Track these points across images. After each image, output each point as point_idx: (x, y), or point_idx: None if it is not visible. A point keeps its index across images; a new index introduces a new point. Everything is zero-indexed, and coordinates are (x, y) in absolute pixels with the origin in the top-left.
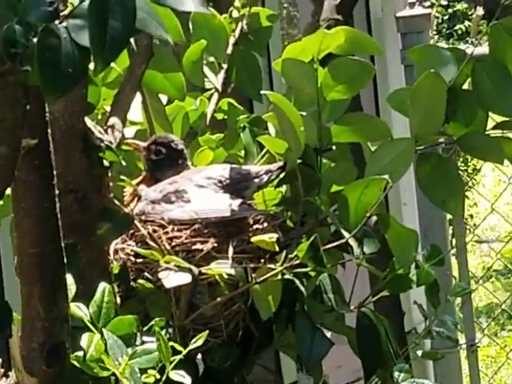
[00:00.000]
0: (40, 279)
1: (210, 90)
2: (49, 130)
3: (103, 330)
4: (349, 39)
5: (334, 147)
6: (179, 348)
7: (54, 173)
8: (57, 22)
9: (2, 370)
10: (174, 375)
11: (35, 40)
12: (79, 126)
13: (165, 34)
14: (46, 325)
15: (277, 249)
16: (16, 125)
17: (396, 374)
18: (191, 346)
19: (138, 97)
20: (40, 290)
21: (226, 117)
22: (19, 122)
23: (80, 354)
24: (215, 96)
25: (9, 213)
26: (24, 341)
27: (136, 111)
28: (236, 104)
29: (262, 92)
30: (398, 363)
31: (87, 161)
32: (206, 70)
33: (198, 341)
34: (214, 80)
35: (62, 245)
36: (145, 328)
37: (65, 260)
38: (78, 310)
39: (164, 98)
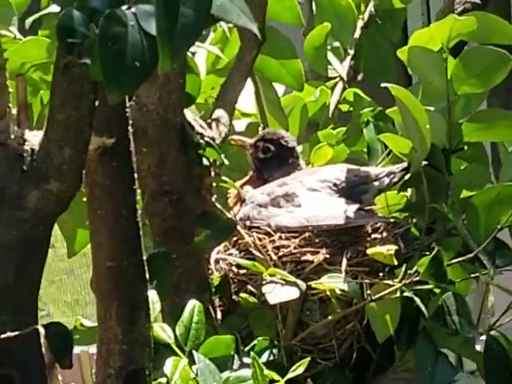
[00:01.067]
0: (117, 296)
1: (333, 78)
2: (129, 128)
3: (194, 352)
4: (483, 25)
5: (465, 147)
6: (276, 377)
7: (136, 176)
8: (123, 7)
9: None
10: None
11: (97, 28)
12: (176, 119)
13: (249, 22)
14: (123, 348)
15: (395, 262)
16: (82, 124)
17: None
18: (295, 372)
19: (251, 86)
20: (117, 308)
21: (351, 109)
22: (86, 120)
23: (163, 380)
24: (340, 85)
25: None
26: (99, 365)
27: (248, 101)
28: (363, 95)
29: (382, 84)
30: None
31: (185, 159)
32: (330, 56)
33: (301, 365)
34: (339, 67)
35: (144, 257)
36: (247, 348)
37: (146, 275)
38: (162, 331)
39: (280, 88)
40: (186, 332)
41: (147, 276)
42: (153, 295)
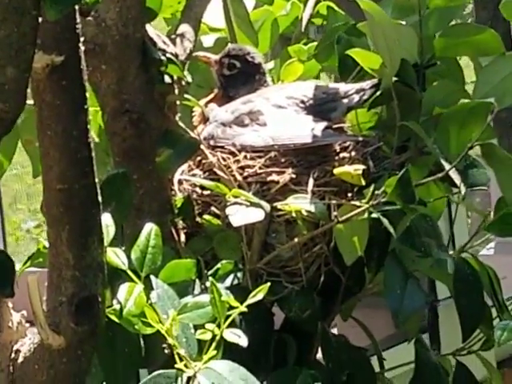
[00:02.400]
0: (68, 220)
1: None
2: (80, 45)
3: (151, 277)
4: None
5: (438, 63)
6: (235, 303)
7: (87, 95)
8: None
9: (28, 325)
10: (228, 334)
11: None
12: (136, 35)
13: None
14: (76, 274)
15: (363, 183)
16: (25, 41)
17: (498, 332)
18: (256, 297)
19: (218, 0)
20: (69, 232)
21: (325, 23)
22: (29, 37)
23: (118, 307)
24: None
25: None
26: (49, 293)
27: (216, 16)
28: (337, 8)
29: None
30: (504, 319)
31: (146, 76)
32: None
33: (262, 290)
34: None
35: (96, 180)
36: (210, 272)
37: (99, 198)
38: (115, 256)
39: (249, 2)
40: (142, 257)
41: (100, 199)
42: (107, 219)
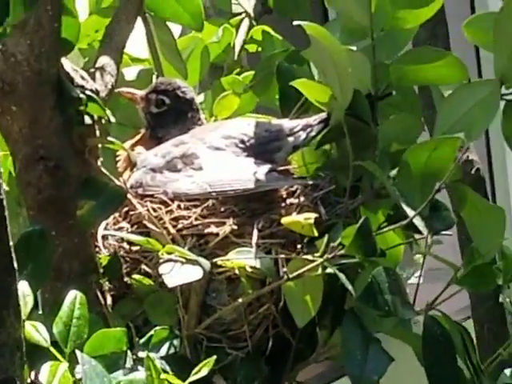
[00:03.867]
0: None
1: (238, 14)
2: None
3: (77, 351)
4: None
5: (393, 92)
6: (175, 381)
7: None
8: None
9: None
10: None
11: None
12: (50, 71)
13: None
14: None
15: (315, 233)
16: None
17: None
18: (200, 373)
19: (141, 27)
20: None
21: (260, 49)
22: None
23: None
24: (246, 22)
25: None
26: None
27: (139, 45)
28: (273, 33)
29: (295, 22)
30: None
31: (62, 118)
32: None
33: (207, 364)
34: (245, 1)
35: (10, 243)
36: (142, 340)
37: (14, 263)
38: (35, 331)
39: (176, 29)
40: (66, 330)
41: (15, 264)
42: (24, 287)
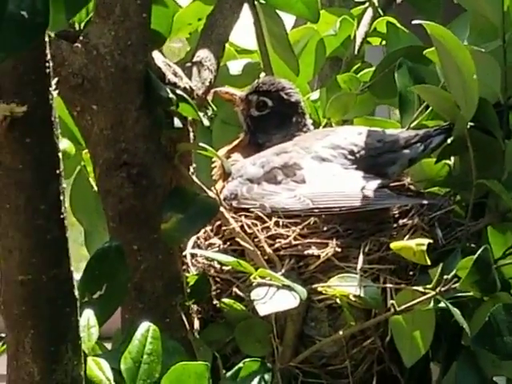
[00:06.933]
0: (33, 323)
1: (361, 4)
2: (50, 90)
3: None
4: None
5: None
6: None
7: (60, 156)
8: None
9: None
10: None
11: None
12: (137, 66)
13: None
14: None
15: (428, 262)
16: None
17: None
18: None
19: (249, 16)
20: (33, 339)
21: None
22: None
23: None
24: (369, 13)
25: None
26: None
27: (246, 36)
28: (399, 25)
29: (414, 21)
30: None
31: (149, 120)
32: None
33: None
34: None
35: (71, 268)
36: (229, 372)
37: (75, 291)
38: (97, 369)
39: (288, 19)
40: (136, 367)
41: (76, 293)
42: (89, 316)
